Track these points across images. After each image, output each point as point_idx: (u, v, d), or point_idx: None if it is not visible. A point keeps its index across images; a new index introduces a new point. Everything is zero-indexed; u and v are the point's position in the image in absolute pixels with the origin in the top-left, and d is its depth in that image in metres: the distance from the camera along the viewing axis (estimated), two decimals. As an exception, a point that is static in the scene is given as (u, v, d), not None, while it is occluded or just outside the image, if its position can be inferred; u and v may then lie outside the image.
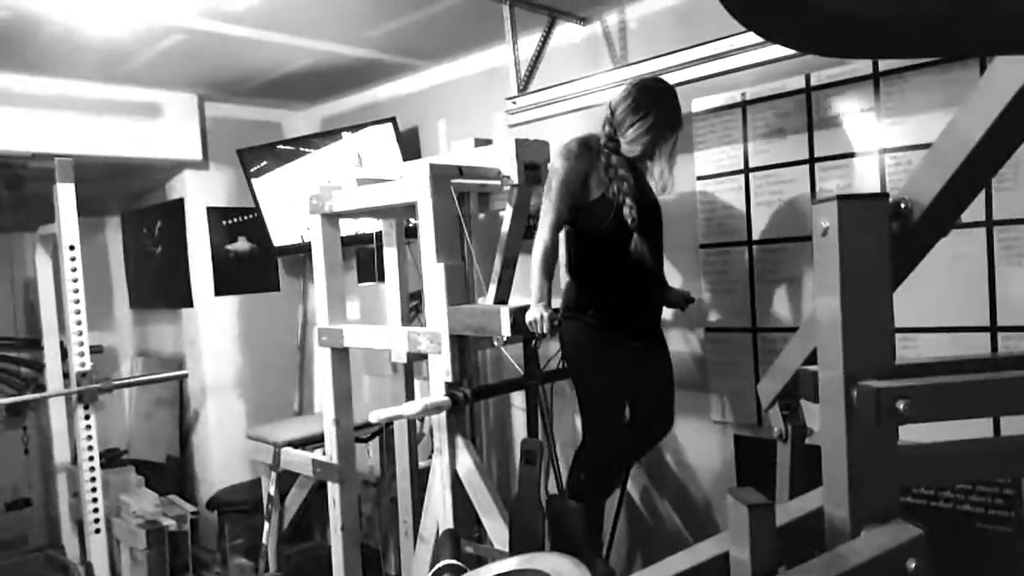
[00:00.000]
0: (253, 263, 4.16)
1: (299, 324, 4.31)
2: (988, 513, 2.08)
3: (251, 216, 4.05)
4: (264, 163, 3.86)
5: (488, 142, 2.58)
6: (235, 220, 4.10)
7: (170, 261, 4.15)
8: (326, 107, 4.11)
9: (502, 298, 2.45)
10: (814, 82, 2.33)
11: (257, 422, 3.85)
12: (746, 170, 2.49)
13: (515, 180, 2.33)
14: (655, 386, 2.23)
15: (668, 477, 2.76)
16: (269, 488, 3.08)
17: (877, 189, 2.22)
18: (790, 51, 2.17)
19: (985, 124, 0.82)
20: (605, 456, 2.21)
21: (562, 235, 2.20)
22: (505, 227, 2.44)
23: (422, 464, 2.80)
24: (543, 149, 2.42)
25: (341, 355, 2.68)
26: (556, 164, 2.10)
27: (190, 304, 4.02)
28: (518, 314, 2.01)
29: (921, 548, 0.89)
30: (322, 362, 2.70)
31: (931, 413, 0.89)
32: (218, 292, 4.01)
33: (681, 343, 2.67)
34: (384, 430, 3.25)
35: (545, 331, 1.94)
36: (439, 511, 2.28)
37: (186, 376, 3.77)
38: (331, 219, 2.67)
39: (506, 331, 2.02)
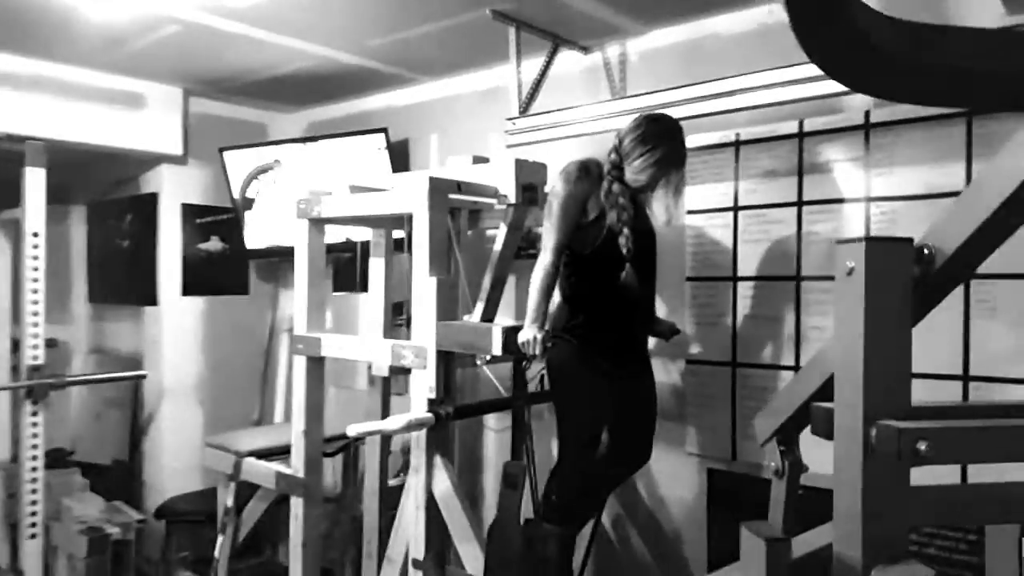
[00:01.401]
0: (224, 264, 4.07)
1: (267, 331, 4.22)
2: (952, 557, 2.13)
3: (226, 216, 3.98)
4: (246, 163, 3.80)
5: (485, 160, 2.58)
6: (210, 219, 4.02)
7: (137, 256, 4.03)
8: (313, 112, 4.08)
9: (489, 317, 2.44)
10: (807, 128, 2.39)
11: (214, 429, 3.74)
12: (735, 208, 2.53)
13: (512, 199, 2.34)
14: (637, 418, 2.23)
15: (640, 507, 2.76)
16: (227, 499, 2.98)
17: (862, 235, 2.28)
18: (785, 96, 2.25)
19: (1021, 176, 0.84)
20: (581, 484, 2.20)
21: None
22: (498, 246, 2.44)
23: (390, 483, 2.75)
24: (541, 171, 2.43)
25: (317, 365, 2.62)
26: (556, 187, 2.11)
27: (154, 302, 3.91)
28: (510, 334, 2.00)
29: (934, 589, 0.90)
30: (296, 371, 2.64)
31: (950, 455, 0.91)
32: (186, 292, 3.91)
33: (662, 373, 2.68)
34: (350, 446, 3.18)
35: (537, 352, 1.94)
36: (410, 532, 2.23)
37: (144, 377, 3.64)
38: (318, 225, 2.63)
39: (497, 350, 2.01)
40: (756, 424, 1.43)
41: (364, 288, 3.68)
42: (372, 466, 2.70)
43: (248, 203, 3.90)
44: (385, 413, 2.71)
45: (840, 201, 2.33)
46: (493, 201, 2.39)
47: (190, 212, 3.94)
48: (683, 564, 2.64)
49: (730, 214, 2.54)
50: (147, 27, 2.81)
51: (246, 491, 2.96)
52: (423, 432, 2.19)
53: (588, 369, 2.10)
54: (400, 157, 3.57)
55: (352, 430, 2.11)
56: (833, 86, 2.17)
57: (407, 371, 2.33)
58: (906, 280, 0.96)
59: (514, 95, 2.69)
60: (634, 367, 2.22)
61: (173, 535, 3.48)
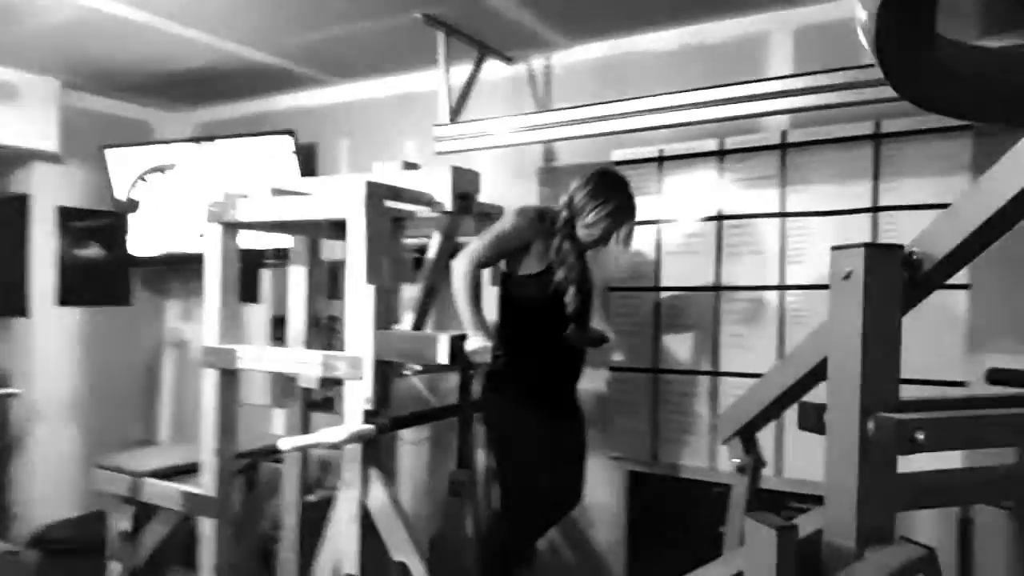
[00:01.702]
0: (104, 272, 3.75)
1: (152, 344, 3.91)
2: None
3: (108, 220, 3.66)
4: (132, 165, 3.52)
5: (415, 167, 2.53)
6: (89, 223, 3.68)
7: (2, 263, 3.63)
8: (206, 112, 3.85)
9: (419, 325, 2.39)
10: (727, 146, 2.53)
11: (94, 450, 3.41)
12: (658, 221, 2.63)
13: (448, 207, 2.30)
14: (571, 460, 2.25)
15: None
16: (120, 524, 2.72)
17: (777, 249, 2.43)
18: (705, 116, 2.36)
19: (1013, 190, 0.93)
20: (521, 529, 2.17)
21: (496, 292, 2.20)
22: (431, 254, 2.40)
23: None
24: (476, 180, 2.42)
25: (230, 379, 2.46)
26: (508, 217, 2.12)
27: (24, 313, 3.53)
28: (457, 342, 1.97)
29: (931, 566, 0.97)
30: (207, 385, 2.46)
31: (943, 444, 0.98)
32: (62, 302, 3.56)
33: (586, 381, 2.72)
34: (257, 463, 3.00)
35: (487, 361, 1.91)
36: (341, 550, 2.13)
37: (15, 395, 3.27)
38: (231, 229, 2.48)
39: (444, 359, 1.96)
40: (720, 423, 1.48)
41: (251, 298, 3.51)
42: (291, 481, 2.56)
43: (133, 206, 3.62)
44: (306, 427, 2.58)
45: (756, 216, 2.48)
46: (424, 209, 2.35)
47: (67, 215, 3.60)
48: (601, 563, 2.69)
49: (654, 227, 2.63)
50: (27, 11, 2.54)
51: (142, 516, 2.72)
52: (357, 445, 2.10)
53: (526, 414, 2.10)
54: (306, 162, 3.44)
55: (285, 444, 1.99)
56: (753, 107, 2.34)
57: (338, 383, 2.24)
58: (897, 283, 1.03)
59: (444, 102, 2.66)
60: (568, 410, 2.25)
61: (48, 566, 3.13)
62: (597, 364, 2.73)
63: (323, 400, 3.50)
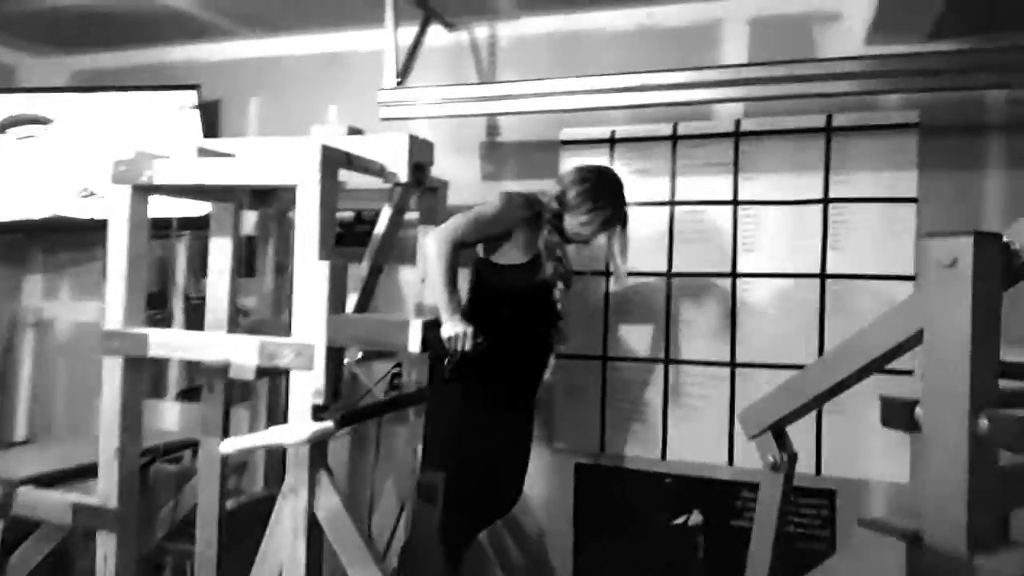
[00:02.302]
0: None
1: (4, 325, 3.35)
2: (807, 533, 2.35)
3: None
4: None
5: (359, 132, 2.28)
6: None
7: None
8: (84, 59, 3.32)
9: (363, 307, 2.18)
10: (681, 131, 2.49)
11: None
12: (609, 204, 2.54)
13: (403, 179, 2.10)
14: (517, 456, 2.10)
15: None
16: (-16, 542, 2.28)
17: (729, 236, 2.43)
18: (659, 99, 2.31)
19: None
20: (460, 533, 1.99)
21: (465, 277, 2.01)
22: (380, 229, 2.19)
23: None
24: (431, 150, 2.23)
25: (135, 367, 2.11)
26: (493, 201, 1.93)
27: None
28: (430, 328, 1.78)
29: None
30: (108, 375, 2.10)
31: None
32: None
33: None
34: (148, 466, 2.63)
35: (468, 349, 1.74)
36: (285, 563, 1.89)
37: None
38: (142, 193, 2.12)
39: (416, 346, 1.77)
40: (746, 416, 1.42)
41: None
42: (209, 487, 2.24)
43: (-14, 163, 3.06)
44: (226, 425, 2.27)
45: (709, 203, 2.46)
46: (371, 179, 2.13)
47: None
48: (549, 560, 2.60)
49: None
50: None
51: (17, 531, 2.29)
52: (305, 446, 1.86)
53: (483, 406, 1.94)
54: (208, 121, 3.05)
55: (229, 446, 1.72)
56: (707, 94, 2.31)
57: (278, 373, 1.98)
58: (999, 272, 0.99)
59: (391, 63, 2.42)
60: (525, 407, 2.10)
61: None
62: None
63: (188, 390, 3.16)
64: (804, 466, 2.31)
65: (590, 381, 2.57)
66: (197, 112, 3.00)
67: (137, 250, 2.13)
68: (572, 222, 1.98)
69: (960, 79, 2.04)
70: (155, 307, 3.18)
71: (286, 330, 2.53)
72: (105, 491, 2.10)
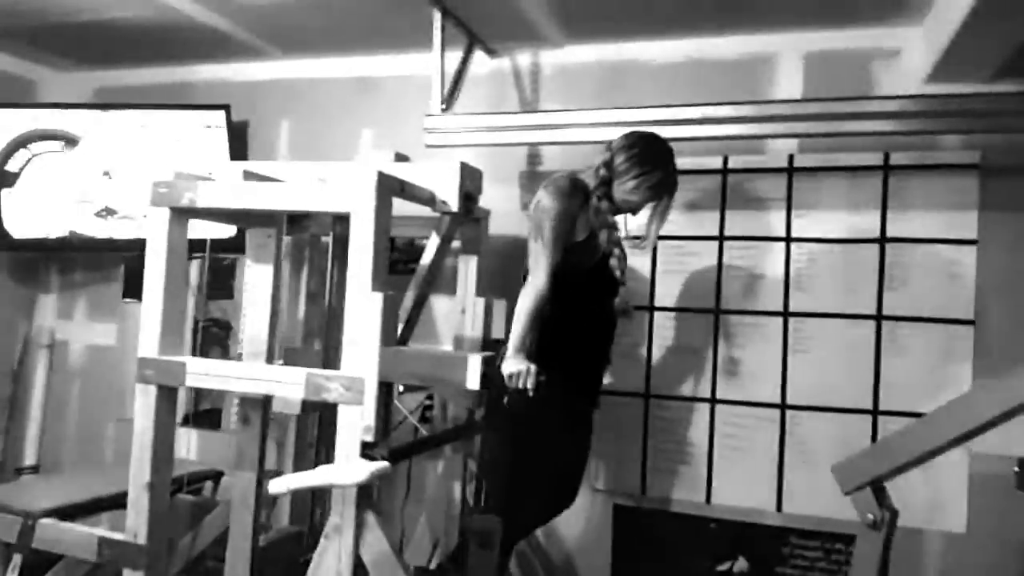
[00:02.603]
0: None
1: (16, 346, 3.24)
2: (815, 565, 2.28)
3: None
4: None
5: (406, 159, 2.22)
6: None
7: None
8: (108, 75, 3.26)
9: (404, 340, 2.10)
10: (731, 165, 2.44)
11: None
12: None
13: (454, 207, 2.03)
14: (581, 458, 2.05)
15: (540, 546, 2.55)
16: (1, 578, 2.16)
17: (780, 274, 2.37)
18: (706, 132, 2.27)
19: None
20: (513, 532, 1.93)
21: None
22: (427, 260, 2.11)
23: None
24: (480, 180, 2.17)
25: (170, 396, 2.03)
26: (545, 202, 1.87)
27: None
28: (490, 364, 1.70)
29: None
30: (141, 404, 2.01)
31: None
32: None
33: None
34: (173, 494, 2.52)
35: (530, 387, 1.66)
36: (327, 606, 1.79)
37: None
38: (182, 216, 2.05)
39: (474, 383, 1.69)
40: (842, 468, 1.34)
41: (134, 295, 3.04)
42: (241, 523, 2.14)
43: (9, 179, 2.98)
44: (262, 459, 2.17)
45: (760, 239, 2.41)
46: (427, 209, 2.07)
47: (-87, 182, 2.90)
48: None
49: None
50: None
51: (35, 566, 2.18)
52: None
53: (561, 406, 1.87)
54: (237, 142, 2.99)
55: (278, 485, 1.63)
56: (757, 128, 2.27)
57: (323, 407, 1.89)
58: None
59: (436, 89, 2.37)
60: (596, 399, 2.05)
61: None
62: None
63: (194, 415, 3.07)
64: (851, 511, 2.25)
65: (631, 419, 2.49)
66: (225, 133, 2.94)
67: (175, 275, 2.05)
68: (620, 189, 1.93)
69: (1022, 121, 2.01)
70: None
71: (319, 360, 2.47)
72: (134, 525, 1.99)
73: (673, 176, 1.97)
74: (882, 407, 2.26)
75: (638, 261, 2.50)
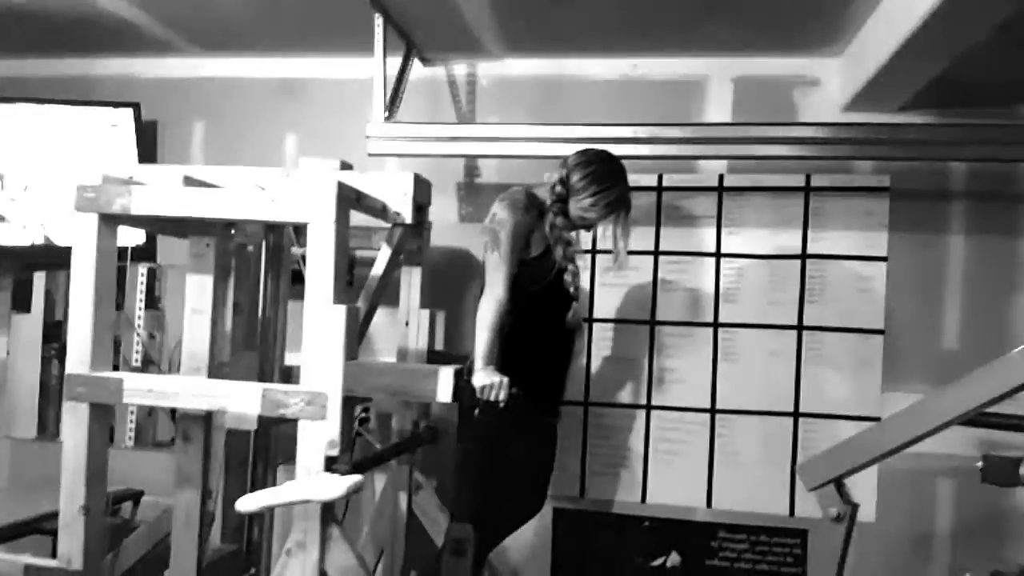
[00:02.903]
0: None
1: None
2: (780, 571, 2.43)
3: None
4: None
5: (349, 167, 2.17)
6: None
7: None
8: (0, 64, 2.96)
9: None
10: (666, 183, 2.55)
11: None
12: (593, 251, 2.56)
13: (408, 219, 2.01)
14: (548, 465, 2.08)
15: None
16: None
17: (711, 288, 2.51)
18: (640, 152, 2.37)
19: None
20: (489, 541, 1.94)
21: None
22: (377, 271, 2.08)
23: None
24: (429, 191, 2.15)
25: (103, 415, 1.88)
26: (501, 215, 1.89)
27: None
28: (461, 377, 1.70)
29: None
30: (70, 424, 1.85)
31: None
32: None
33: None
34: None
35: (502, 399, 1.67)
36: (286, 629, 1.72)
37: None
38: (111, 223, 1.91)
39: (446, 396, 1.68)
40: (806, 468, 1.45)
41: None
42: (185, 547, 2.00)
43: None
44: (206, 477, 2.04)
45: (692, 254, 2.53)
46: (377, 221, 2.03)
47: None
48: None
49: (587, 257, 2.56)
50: None
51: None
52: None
53: (525, 416, 1.89)
54: (146, 144, 2.81)
55: (248, 503, 1.55)
56: (690, 150, 2.39)
57: (279, 421, 1.82)
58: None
59: (379, 96, 2.33)
60: (558, 410, 2.09)
61: None
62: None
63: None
64: (779, 507, 2.41)
65: (571, 426, 2.54)
66: (133, 133, 2.75)
67: (104, 286, 1.91)
68: (577, 206, 1.97)
69: (928, 150, 2.23)
70: (51, 340, 2.89)
71: (253, 374, 2.36)
72: (67, 551, 1.83)
73: (628, 193, 2.04)
74: (802, 410, 2.44)
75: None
